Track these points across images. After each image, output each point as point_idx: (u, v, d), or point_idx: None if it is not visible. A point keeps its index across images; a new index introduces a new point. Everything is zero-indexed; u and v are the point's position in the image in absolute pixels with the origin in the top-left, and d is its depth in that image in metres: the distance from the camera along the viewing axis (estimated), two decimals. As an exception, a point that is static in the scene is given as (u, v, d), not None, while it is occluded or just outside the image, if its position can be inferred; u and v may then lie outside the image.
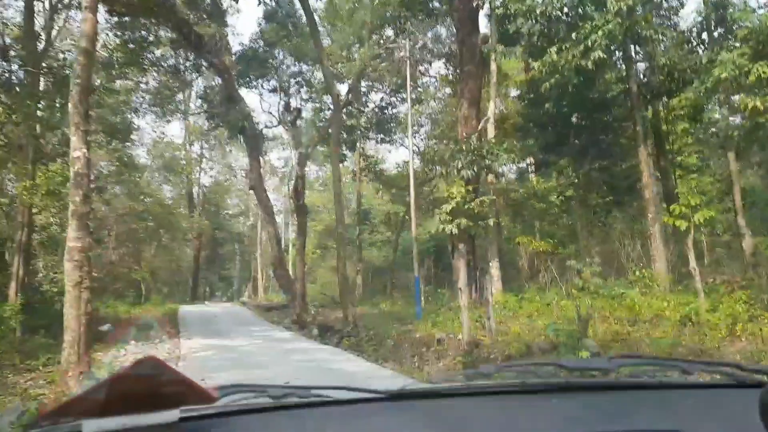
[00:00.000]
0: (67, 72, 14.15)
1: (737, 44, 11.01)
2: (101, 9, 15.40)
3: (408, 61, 20.87)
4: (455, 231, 11.59)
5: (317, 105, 27.45)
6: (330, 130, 21.53)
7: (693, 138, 20.87)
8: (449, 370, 8.94)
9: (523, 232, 20.66)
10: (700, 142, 21.35)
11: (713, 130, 19.51)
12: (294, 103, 26.96)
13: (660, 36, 13.65)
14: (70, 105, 8.10)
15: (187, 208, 40.45)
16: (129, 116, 22.41)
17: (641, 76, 16.75)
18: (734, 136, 12.37)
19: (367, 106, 27.51)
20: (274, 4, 23.06)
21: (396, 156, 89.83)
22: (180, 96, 31.13)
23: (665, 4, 17.02)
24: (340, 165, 23.28)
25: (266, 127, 29.32)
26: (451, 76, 25.68)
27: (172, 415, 0.96)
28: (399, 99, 27.02)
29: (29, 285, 14.69)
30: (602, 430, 1.16)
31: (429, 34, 24.94)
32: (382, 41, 23.04)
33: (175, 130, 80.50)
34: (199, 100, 28.26)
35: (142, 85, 22.51)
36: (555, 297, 13.43)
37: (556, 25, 13.69)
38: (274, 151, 59.23)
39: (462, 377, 1.84)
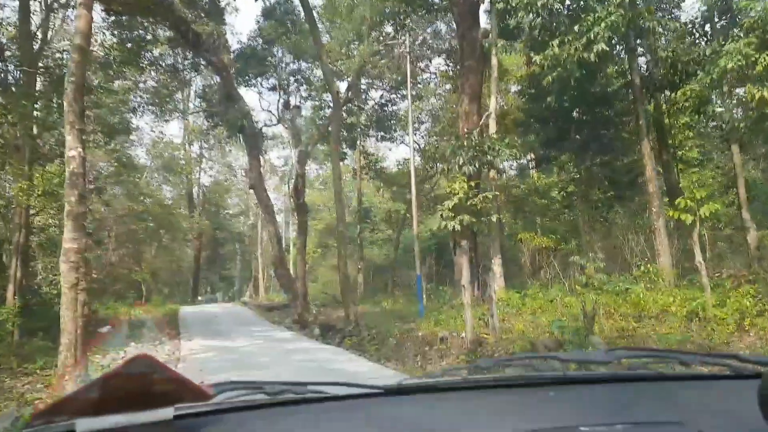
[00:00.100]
0: (64, 71, 14.02)
1: (742, 34, 10.82)
2: (98, 8, 15.29)
3: (408, 57, 20.71)
4: (458, 227, 11.44)
5: (317, 103, 27.31)
6: (330, 128, 21.39)
7: (694, 132, 20.72)
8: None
9: (524, 229, 20.54)
10: (701, 136, 21.20)
11: (714, 123, 19.34)
12: (293, 101, 26.85)
13: (662, 28, 13.47)
14: (64, 103, 7.95)
15: (187, 208, 40.38)
16: (128, 116, 22.29)
17: (643, 69, 16.58)
18: (740, 128, 12.19)
19: (367, 104, 27.39)
20: (272, 0, 22.93)
21: (396, 153, 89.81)
22: (179, 95, 31.00)
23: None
24: (341, 163, 23.13)
25: (266, 125, 29.22)
26: (451, 72, 25.51)
27: (166, 413, 0.96)
28: (399, 96, 26.89)
29: (28, 287, 14.58)
30: (601, 422, 1.13)
31: (429, 30, 24.80)
32: (381, 38, 22.88)
33: (174, 129, 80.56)
34: (198, 99, 28.17)
35: (141, 85, 22.37)
36: (558, 293, 13.28)
37: (558, 18, 13.52)
38: (273, 150, 59.26)
39: (459, 372, 1.81)
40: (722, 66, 10.56)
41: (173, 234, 32.30)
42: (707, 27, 15.44)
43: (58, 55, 16.52)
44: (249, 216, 50.21)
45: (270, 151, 41.97)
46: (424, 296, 17.70)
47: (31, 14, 15.45)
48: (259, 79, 25.61)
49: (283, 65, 25.83)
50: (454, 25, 20.47)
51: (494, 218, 13.57)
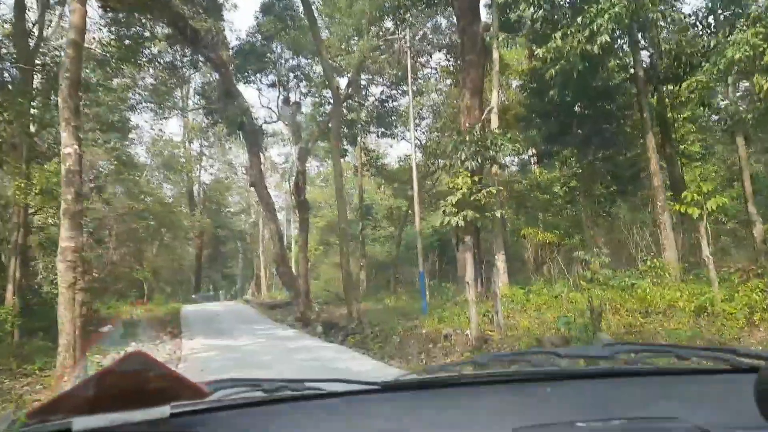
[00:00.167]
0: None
1: (748, 25, 10.64)
2: (94, 4, 15.15)
3: (408, 53, 20.53)
4: (461, 223, 11.27)
5: (317, 99, 27.18)
6: (330, 125, 21.24)
7: (696, 125, 20.55)
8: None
9: (526, 224, 20.38)
10: (703, 130, 21.03)
11: (716, 117, 19.17)
12: (293, 97, 26.71)
13: (667, 19, 13.29)
14: (59, 100, 7.83)
15: (188, 206, 40.26)
16: (127, 114, 22.16)
17: (646, 62, 16.40)
18: (747, 120, 12.03)
19: (368, 100, 27.22)
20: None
21: (398, 150, 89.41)
22: (178, 92, 30.84)
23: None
24: (342, 160, 22.99)
25: (265, 122, 29.14)
26: (452, 67, 25.32)
27: (163, 410, 0.95)
28: (399, 92, 26.69)
29: (28, 287, 14.47)
30: (598, 417, 1.11)
31: (429, 25, 24.62)
32: (381, 33, 22.70)
33: (173, 127, 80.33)
34: (197, 97, 28.02)
35: (139, 82, 22.23)
36: (563, 289, 13.13)
37: (560, 9, 13.33)
38: (274, 147, 58.89)
39: (456, 367, 1.81)
40: (729, 57, 10.38)
41: (174, 232, 32.17)
42: (711, 18, 15.26)
43: (54, 51, 16.37)
44: (250, 214, 50.09)
45: (270, 148, 41.67)
46: (428, 293, 17.58)
47: (27, 11, 15.30)
48: (258, 75, 25.47)
49: (283, 61, 25.68)
50: (455, 19, 20.29)
51: (498, 213, 13.41)
